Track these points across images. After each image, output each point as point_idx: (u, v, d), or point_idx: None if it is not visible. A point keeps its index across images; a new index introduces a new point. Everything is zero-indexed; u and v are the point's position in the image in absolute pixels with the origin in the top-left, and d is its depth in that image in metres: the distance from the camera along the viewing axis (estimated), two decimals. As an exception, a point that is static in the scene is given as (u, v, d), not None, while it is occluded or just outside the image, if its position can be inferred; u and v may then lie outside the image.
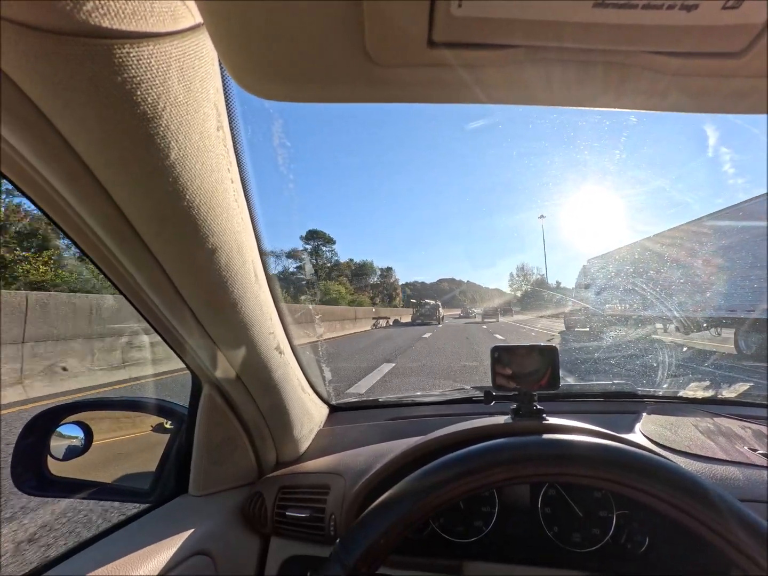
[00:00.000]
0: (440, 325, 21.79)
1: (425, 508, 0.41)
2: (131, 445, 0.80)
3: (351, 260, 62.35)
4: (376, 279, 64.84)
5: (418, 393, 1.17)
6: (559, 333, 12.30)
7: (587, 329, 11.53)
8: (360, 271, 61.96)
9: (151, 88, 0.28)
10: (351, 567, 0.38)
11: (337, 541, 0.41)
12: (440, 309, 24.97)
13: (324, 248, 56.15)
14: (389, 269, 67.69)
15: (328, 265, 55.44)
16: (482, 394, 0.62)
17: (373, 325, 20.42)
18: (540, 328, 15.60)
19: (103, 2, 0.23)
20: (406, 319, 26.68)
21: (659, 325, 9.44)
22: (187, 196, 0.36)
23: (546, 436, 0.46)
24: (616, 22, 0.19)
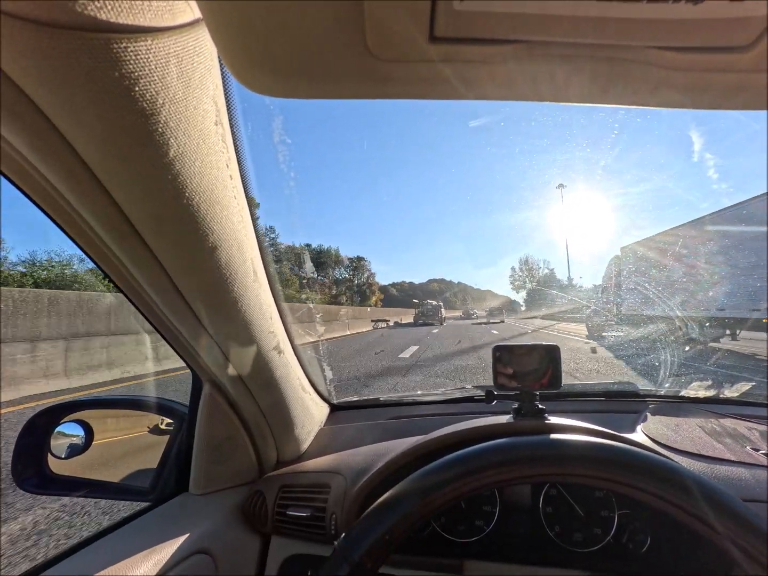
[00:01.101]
0: (444, 325, 21.93)
1: (429, 506, 0.41)
2: (131, 444, 0.80)
3: (308, 245, 50.80)
4: (344, 272, 52.32)
5: (419, 392, 1.17)
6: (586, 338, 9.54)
7: (621, 333, 8.72)
8: (317, 260, 49.11)
9: (150, 84, 0.28)
10: (355, 562, 0.38)
11: (342, 536, 0.40)
12: (442, 309, 24.90)
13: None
14: (360, 259, 54.77)
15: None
16: (484, 393, 0.62)
17: (374, 326, 20.79)
18: (546, 331, 14.05)
19: None
20: (407, 319, 26.58)
21: (727, 332, 7.17)
22: (186, 194, 0.36)
23: (549, 436, 0.45)
24: (621, 16, 0.19)
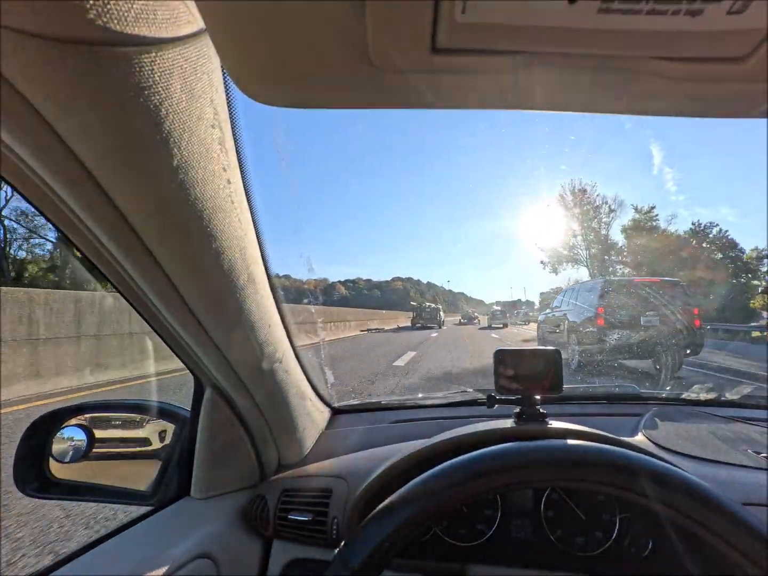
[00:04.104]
0: (434, 336, 20.34)
1: (430, 512, 0.41)
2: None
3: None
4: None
5: (420, 395, 1.17)
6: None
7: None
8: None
9: (154, 95, 0.28)
10: (356, 570, 0.38)
11: (342, 543, 0.41)
12: (441, 312, 24.52)
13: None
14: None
15: None
16: (485, 397, 0.62)
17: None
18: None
19: (105, 10, 0.23)
20: (401, 323, 25.61)
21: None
22: (190, 201, 0.36)
23: (550, 441, 0.46)
24: (621, 27, 0.19)
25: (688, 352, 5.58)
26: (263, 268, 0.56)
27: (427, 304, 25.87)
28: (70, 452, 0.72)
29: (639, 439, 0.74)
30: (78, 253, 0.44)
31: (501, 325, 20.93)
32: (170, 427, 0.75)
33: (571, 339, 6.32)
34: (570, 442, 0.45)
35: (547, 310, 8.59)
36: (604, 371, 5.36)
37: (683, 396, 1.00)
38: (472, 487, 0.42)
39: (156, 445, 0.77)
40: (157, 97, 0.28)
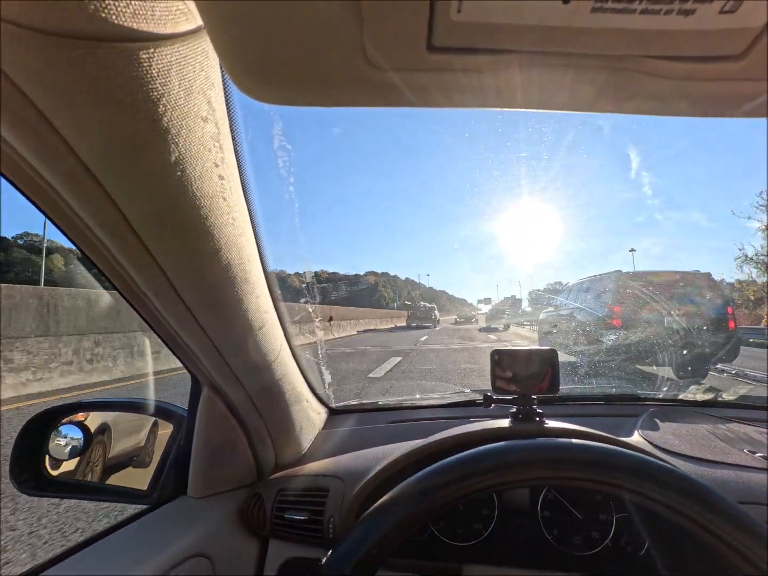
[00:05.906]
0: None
1: (423, 512, 0.41)
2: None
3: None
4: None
5: (417, 396, 1.17)
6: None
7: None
8: None
9: (152, 91, 0.28)
10: (350, 569, 0.38)
11: (330, 552, 0.40)
12: (436, 311, 24.66)
13: None
14: None
15: None
16: (482, 397, 0.62)
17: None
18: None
19: (104, 5, 0.23)
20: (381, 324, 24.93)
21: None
22: (188, 198, 0.37)
23: (544, 439, 0.46)
24: (614, 26, 0.19)
25: (720, 358, 4.71)
26: (260, 267, 0.55)
27: (422, 303, 26.18)
28: (67, 450, 0.72)
29: (635, 439, 0.74)
30: (77, 250, 0.44)
31: (501, 327, 19.31)
32: (168, 426, 0.75)
33: (580, 341, 5.49)
34: (564, 440, 0.45)
35: (550, 309, 7.94)
36: (619, 377, 4.51)
37: (680, 396, 1.01)
38: (465, 486, 0.42)
39: (153, 443, 0.77)
40: (155, 93, 0.28)
